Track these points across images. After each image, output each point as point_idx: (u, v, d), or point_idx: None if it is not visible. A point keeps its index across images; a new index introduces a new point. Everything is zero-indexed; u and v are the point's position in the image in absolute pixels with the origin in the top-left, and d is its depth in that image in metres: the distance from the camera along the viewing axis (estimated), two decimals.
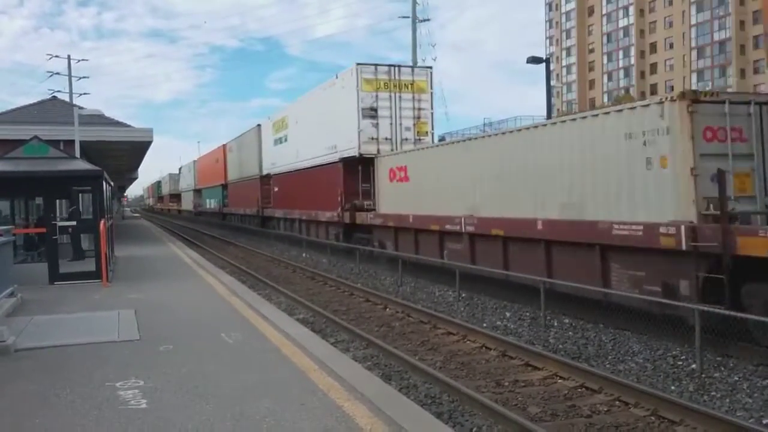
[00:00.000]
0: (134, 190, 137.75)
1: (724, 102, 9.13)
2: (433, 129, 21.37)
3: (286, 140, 28.71)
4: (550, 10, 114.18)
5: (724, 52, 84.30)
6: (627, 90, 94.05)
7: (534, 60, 23.04)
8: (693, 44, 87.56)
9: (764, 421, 6.37)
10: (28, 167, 13.37)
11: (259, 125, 33.96)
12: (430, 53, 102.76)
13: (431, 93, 21.27)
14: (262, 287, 15.98)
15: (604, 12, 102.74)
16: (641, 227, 9.43)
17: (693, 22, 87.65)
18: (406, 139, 20.70)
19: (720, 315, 8.08)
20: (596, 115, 10.79)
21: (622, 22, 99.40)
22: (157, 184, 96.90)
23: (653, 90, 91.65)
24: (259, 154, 33.37)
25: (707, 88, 63.33)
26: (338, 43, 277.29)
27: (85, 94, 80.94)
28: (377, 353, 9.19)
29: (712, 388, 7.37)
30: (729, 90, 58.96)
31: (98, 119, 20.25)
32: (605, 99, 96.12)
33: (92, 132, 20.14)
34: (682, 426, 6.24)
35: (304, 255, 23.97)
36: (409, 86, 20.86)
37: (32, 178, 13.29)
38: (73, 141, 18.21)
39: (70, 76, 41.40)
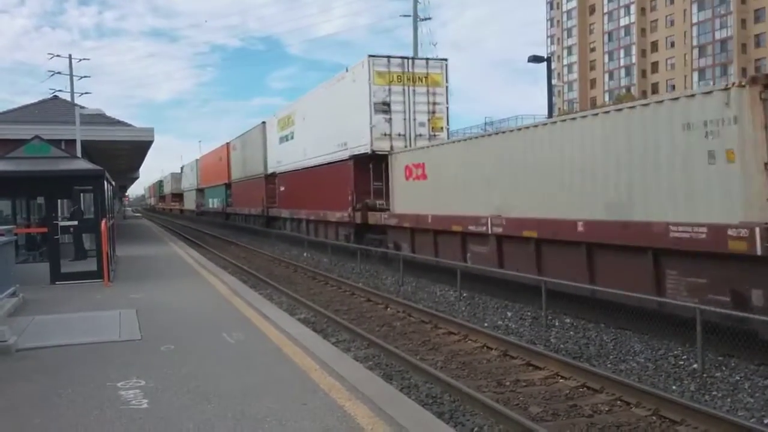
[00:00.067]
0: (135, 190, 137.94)
1: None
2: (448, 124, 20.43)
3: (292, 138, 27.85)
4: (551, 8, 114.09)
5: (725, 50, 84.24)
6: (628, 89, 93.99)
7: (535, 59, 23.06)
8: (694, 43, 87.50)
9: (766, 421, 6.36)
10: (30, 167, 13.39)
11: (263, 122, 33.12)
12: (432, 52, 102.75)
13: (446, 86, 20.28)
14: (264, 287, 15.99)
15: (605, 10, 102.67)
16: (704, 229, 8.44)
17: (694, 20, 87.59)
18: (420, 135, 19.77)
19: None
20: (647, 105, 9.66)
21: (624, 21, 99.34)
22: (159, 184, 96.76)
23: (654, 89, 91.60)
24: (263, 153, 32.51)
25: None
26: (339, 42, 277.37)
27: (86, 93, 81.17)
28: (378, 353, 9.19)
29: (714, 388, 7.37)
30: None
31: (99, 119, 20.26)
32: (606, 98, 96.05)
33: (93, 131, 20.14)
34: (683, 426, 6.24)
35: (305, 255, 23.98)
36: (424, 79, 19.90)
37: (34, 177, 13.31)
38: (74, 140, 18.22)
39: (71, 75, 41.52)
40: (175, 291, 11.96)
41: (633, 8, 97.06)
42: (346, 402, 5.29)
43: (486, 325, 11.00)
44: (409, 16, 32.85)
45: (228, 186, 42.28)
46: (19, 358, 7.05)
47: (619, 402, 6.89)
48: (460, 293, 13.59)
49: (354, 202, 20.17)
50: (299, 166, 26.42)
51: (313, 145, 24.50)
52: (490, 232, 13.34)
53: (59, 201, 14.75)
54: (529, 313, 11.61)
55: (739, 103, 8.15)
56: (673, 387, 7.50)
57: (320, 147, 23.49)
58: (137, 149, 26.61)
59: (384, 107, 19.51)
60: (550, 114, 24.21)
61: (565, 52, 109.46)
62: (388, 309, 12.76)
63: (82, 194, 16.39)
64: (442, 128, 20.13)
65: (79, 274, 13.16)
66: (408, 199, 17.62)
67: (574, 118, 11.33)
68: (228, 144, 42.48)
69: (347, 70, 21.35)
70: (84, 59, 47.95)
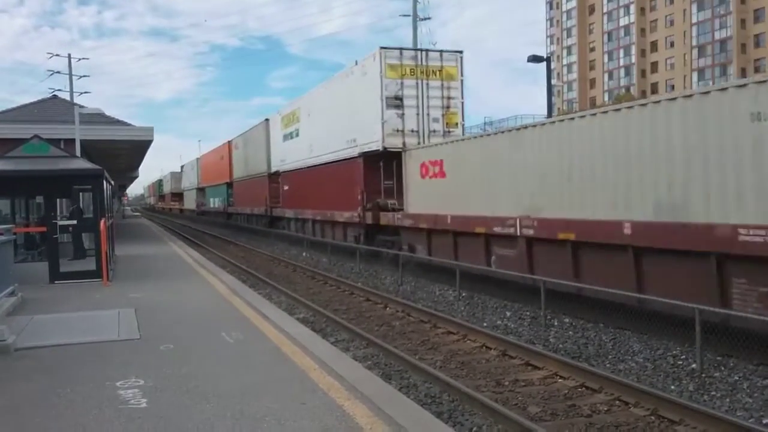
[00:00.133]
0: (135, 189, 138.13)
1: None
2: (463, 120, 19.32)
3: (297, 135, 26.85)
4: (551, 8, 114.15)
5: (725, 50, 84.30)
6: (628, 89, 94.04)
7: (535, 59, 23.07)
8: (694, 43, 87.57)
9: (764, 421, 6.37)
10: (29, 166, 13.38)
11: (267, 120, 32.23)
12: None
13: (462, 80, 19.22)
14: (263, 286, 15.99)
15: (605, 10, 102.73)
16: None
17: (694, 20, 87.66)
18: (434, 132, 18.76)
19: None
20: (707, 93, 8.77)
21: (623, 21, 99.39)
22: (159, 183, 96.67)
23: (654, 89, 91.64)
24: (267, 151, 31.61)
25: None
26: (339, 42, 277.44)
27: (85, 92, 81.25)
28: (377, 352, 9.19)
29: (712, 388, 7.38)
30: None
31: (99, 118, 20.26)
32: (606, 98, 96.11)
33: (93, 131, 20.15)
34: (682, 426, 6.24)
35: (304, 254, 23.98)
36: (438, 72, 18.88)
37: (33, 177, 13.31)
38: (73, 140, 18.22)
39: (70, 74, 41.52)
40: (175, 290, 11.96)
41: (632, 8, 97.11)
42: (345, 401, 5.29)
43: (485, 324, 11.00)
44: (409, 15, 32.88)
45: (230, 185, 41.64)
46: (18, 357, 7.05)
47: (617, 402, 6.89)
48: (459, 293, 13.59)
49: (364, 201, 19.26)
50: (304, 165, 25.53)
51: (319, 143, 23.62)
52: (519, 233, 12.33)
53: (58, 200, 14.74)
54: (528, 313, 11.61)
55: None
56: (672, 387, 7.51)
57: (327, 144, 22.57)
58: (136, 149, 26.62)
59: (396, 102, 18.53)
60: (550, 114, 24.19)
61: (565, 51, 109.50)
62: (388, 308, 12.77)
63: (81, 193, 16.40)
64: (457, 124, 19.09)
65: (78, 273, 13.15)
66: (424, 198, 16.61)
67: (618, 110, 10.26)
68: (230, 142, 41.76)
69: (357, 63, 20.29)
70: (83, 59, 48.17)
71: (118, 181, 45.72)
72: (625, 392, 6.98)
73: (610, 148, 10.22)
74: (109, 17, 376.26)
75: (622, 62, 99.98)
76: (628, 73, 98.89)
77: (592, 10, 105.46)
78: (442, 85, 18.95)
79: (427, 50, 19.26)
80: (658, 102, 9.47)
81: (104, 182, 14.42)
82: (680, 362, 8.34)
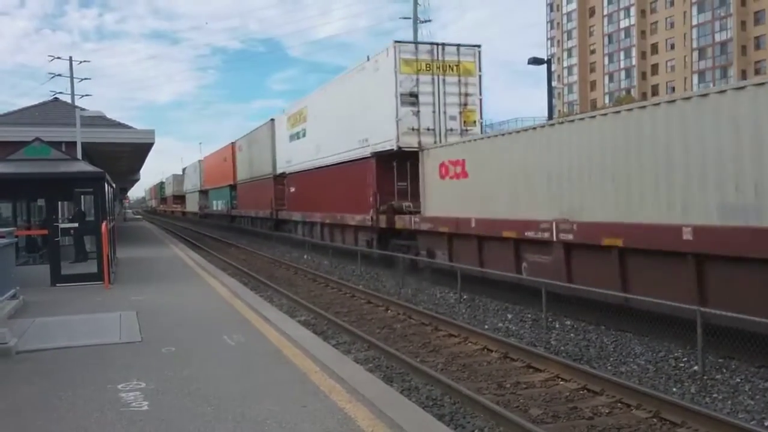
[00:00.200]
0: (136, 192, 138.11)
1: None
2: (481, 118, 18.51)
3: (304, 135, 25.98)
4: (551, 11, 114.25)
5: (725, 53, 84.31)
6: (628, 91, 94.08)
7: (535, 61, 23.03)
8: (694, 45, 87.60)
9: (766, 423, 6.36)
10: (30, 169, 13.40)
11: (272, 120, 31.49)
12: None
13: (480, 75, 18.39)
14: (264, 289, 15.99)
15: (605, 13, 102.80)
16: None
17: (694, 22, 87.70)
18: (451, 130, 17.90)
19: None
20: None
21: (624, 23, 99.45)
22: (160, 185, 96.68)
23: (654, 91, 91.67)
24: (272, 152, 30.82)
25: None
26: (339, 44, 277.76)
27: (86, 95, 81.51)
28: (379, 355, 9.19)
29: (714, 390, 7.36)
30: None
31: (100, 121, 20.31)
32: (606, 100, 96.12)
33: (94, 133, 20.15)
34: (683, 428, 6.23)
35: (305, 257, 23.98)
36: (455, 68, 18.02)
37: (34, 179, 13.33)
38: (74, 143, 18.24)
39: (71, 77, 41.57)
40: (176, 293, 11.96)
41: (633, 10, 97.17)
42: (346, 404, 5.29)
43: (486, 327, 10.99)
44: (409, 18, 32.82)
45: (233, 187, 41.03)
46: (20, 360, 7.05)
47: (619, 404, 6.89)
48: (460, 295, 13.58)
49: (377, 204, 18.42)
50: (312, 166, 24.71)
51: (328, 143, 22.81)
52: (555, 239, 11.35)
53: (60, 203, 14.76)
54: (529, 316, 11.61)
55: None
56: (674, 389, 7.50)
57: (337, 144, 21.79)
58: (138, 151, 26.63)
59: (411, 99, 17.65)
60: (550, 116, 24.14)
61: (565, 54, 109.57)
62: (389, 311, 12.76)
63: (82, 196, 16.42)
64: (474, 122, 18.28)
65: (80, 276, 13.17)
66: (444, 200, 15.65)
67: (672, 101, 9.28)
68: (233, 144, 41.15)
69: (369, 59, 19.45)
70: (85, 61, 48.56)
71: (120, 183, 45.73)
72: (627, 394, 6.97)
73: (663, 146, 9.25)
74: (110, 20, 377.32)
75: (622, 64, 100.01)
76: (628, 75, 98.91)
77: (592, 12, 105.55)
78: (459, 80, 18.17)
79: (443, 44, 18.30)
80: (723, 92, 8.50)
81: (105, 185, 14.44)
82: (682, 364, 8.33)
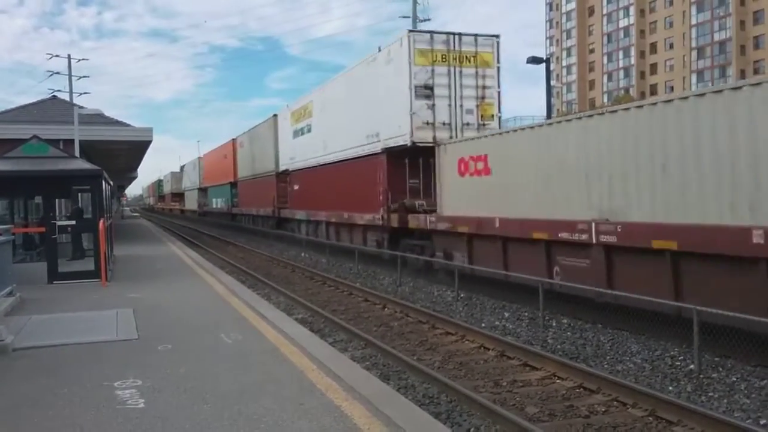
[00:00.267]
0: (134, 190, 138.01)
1: None
2: (500, 112, 17.57)
3: (309, 131, 24.93)
4: (551, 10, 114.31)
5: (724, 52, 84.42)
6: (627, 90, 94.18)
7: (534, 60, 23.03)
8: (693, 44, 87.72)
9: (762, 422, 6.37)
10: (28, 166, 13.40)
11: (275, 115, 30.52)
12: None
13: (498, 67, 17.42)
14: (261, 287, 15.99)
15: (604, 12, 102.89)
16: None
17: (693, 22, 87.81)
18: (468, 125, 16.97)
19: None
20: None
21: (623, 23, 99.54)
22: (158, 183, 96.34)
23: (653, 90, 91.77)
24: (275, 149, 29.88)
25: None
26: (338, 43, 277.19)
27: (85, 93, 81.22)
28: (376, 353, 9.19)
29: (710, 389, 7.38)
30: None
31: (98, 119, 20.28)
32: (605, 99, 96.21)
33: (92, 131, 20.17)
34: (679, 426, 6.25)
35: (303, 255, 23.98)
36: (472, 59, 17.05)
37: (32, 177, 13.32)
38: (72, 140, 18.24)
39: (70, 75, 41.50)
40: (173, 291, 11.96)
41: (632, 10, 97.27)
42: (343, 402, 5.29)
43: (483, 325, 11.00)
44: (409, 17, 32.79)
45: (234, 185, 40.16)
46: (16, 357, 7.05)
47: (615, 402, 6.90)
48: (457, 294, 13.58)
49: (388, 202, 17.52)
50: (317, 162, 23.66)
51: (335, 138, 21.78)
52: (594, 241, 10.36)
53: (57, 200, 14.74)
54: (526, 314, 11.62)
55: None
56: (670, 388, 7.51)
57: (344, 140, 20.73)
58: (136, 149, 26.63)
59: (426, 91, 16.68)
60: (549, 115, 24.17)
61: (564, 53, 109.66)
62: (386, 309, 12.77)
63: (80, 194, 16.40)
64: (492, 116, 17.34)
65: (77, 273, 13.17)
66: (463, 198, 14.62)
67: (739, 87, 8.26)
68: (234, 140, 40.24)
69: (380, 50, 18.46)
70: (83, 59, 48.11)
71: (117, 181, 45.72)
72: (623, 393, 6.98)
73: (725, 136, 8.33)
74: (109, 18, 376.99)
75: (621, 64, 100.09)
76: (627, 74, 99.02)
77: (591, 11, 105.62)
78: (477, 72, 17.17)
79: (460, 34, 17.23)
80: None
81: (103, 183, 14.43)
82: (678, 363, 8.34)
